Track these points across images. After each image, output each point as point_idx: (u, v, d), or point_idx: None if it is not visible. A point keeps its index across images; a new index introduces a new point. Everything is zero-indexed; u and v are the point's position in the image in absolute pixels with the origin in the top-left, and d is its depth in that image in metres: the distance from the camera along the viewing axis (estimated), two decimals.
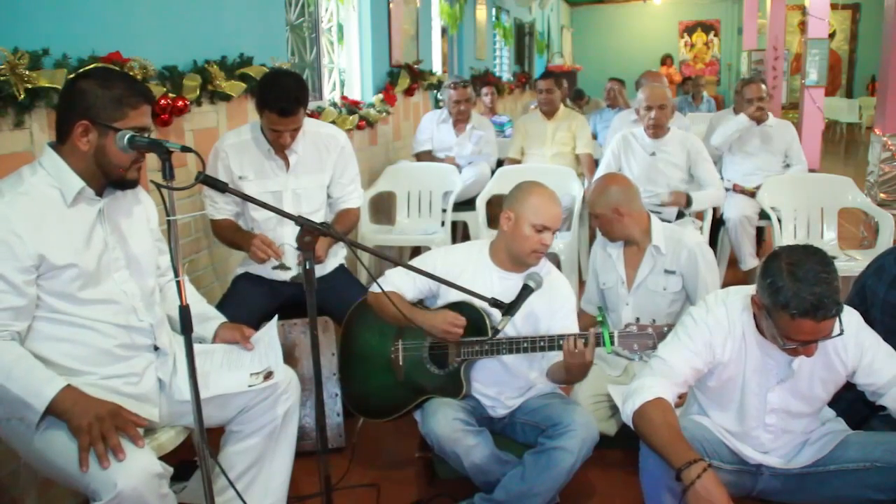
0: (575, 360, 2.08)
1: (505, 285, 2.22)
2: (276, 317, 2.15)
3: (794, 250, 1.75)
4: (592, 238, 4.29)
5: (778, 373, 1.91)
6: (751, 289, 1.93)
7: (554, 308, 2.26)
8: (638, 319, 2.15)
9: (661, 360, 1.90)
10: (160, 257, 1.99)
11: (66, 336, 1.72)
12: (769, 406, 1.92)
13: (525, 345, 2.17)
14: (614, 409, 2.61)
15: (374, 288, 2.30)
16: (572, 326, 2.28)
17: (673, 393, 1.86)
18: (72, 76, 1.79)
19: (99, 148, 1.71)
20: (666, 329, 2.09)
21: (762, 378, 1.91)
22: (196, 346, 2.01)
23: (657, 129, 3.81)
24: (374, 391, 2.42)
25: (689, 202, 3.70)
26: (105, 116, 1.68)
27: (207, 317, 2.11)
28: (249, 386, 1.91)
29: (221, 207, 2.68)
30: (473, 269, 2.28)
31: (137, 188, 1.90)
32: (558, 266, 3.47)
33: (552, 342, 2.14)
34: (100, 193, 1.78)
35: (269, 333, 2.08)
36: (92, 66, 2.17)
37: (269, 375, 1.93)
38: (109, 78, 1.72)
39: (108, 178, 1.76)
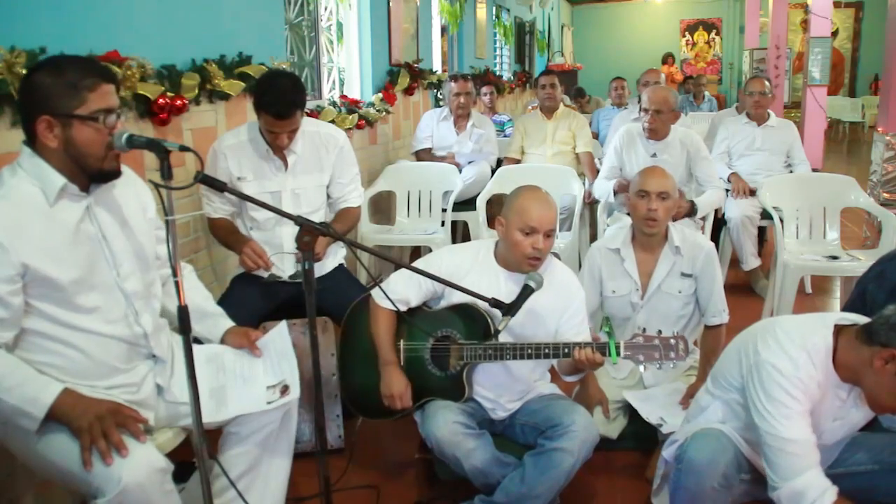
0: (590, 367, 2.10)
1: (512, 285, 2.20)
2: (283, 322, 2.10)
3: None
4: (593, 239, 4.28)
5: (839, 414, 1.84)
6: (826, 325, 1.79)
7: (562, 305, 2.24)
8: (644, 329, 2.11)
9: (793, 442, 1.74)
10: (159, 247, 1.91)
11: (63, 344, 1.67)
12: (817, 442, 1.83)
13: (529, 351, 2.14)
14: (617, 412, 2.59)
15: (377, 295, 2.28)
16: (584, 326, 2.26)
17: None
18: (25, 72, 1.70)
19: (67, 140, 1.61)
20: (673, 341, 2.04)
21: (820, 418, 1.83)
22: (202, 350, 1.99)
23: (652, 133, 3.79)
24: (374, 390, 2.39)
25: (693, 210, 3.61)
26: (63, 106, 1.58)
27: (214, 316, 2.07)
28: (268, 402, 1.87)
29: (218, 207, 2.67)
30: (479, 270, 2.25)
31: (133, 178, 1.85)
32: None
33: (556, 350, 2.12)
34: (86, 189, 1.70)
35: (282, 340, 2.04)
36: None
37: (285, 389, 1.90)
38: (59, 65, 1.61)
39: (85, 172, 1.66)
